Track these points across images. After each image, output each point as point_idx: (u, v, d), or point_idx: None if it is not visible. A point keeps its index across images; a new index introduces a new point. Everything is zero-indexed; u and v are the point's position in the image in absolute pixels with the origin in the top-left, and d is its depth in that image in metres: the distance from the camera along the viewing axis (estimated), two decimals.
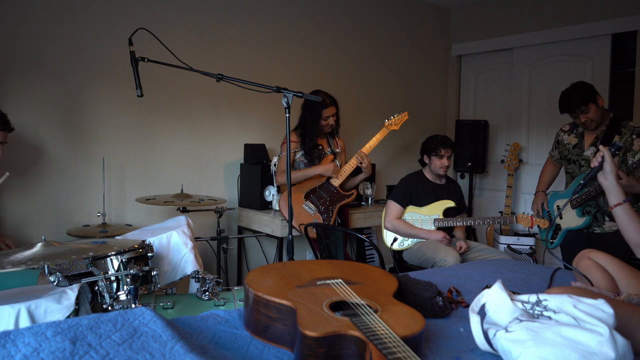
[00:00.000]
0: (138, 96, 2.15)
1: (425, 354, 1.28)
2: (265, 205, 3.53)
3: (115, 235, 2.67)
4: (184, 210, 3.04)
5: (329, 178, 3.31)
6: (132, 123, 3.35)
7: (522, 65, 4.67)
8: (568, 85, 2.94)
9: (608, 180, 1.80)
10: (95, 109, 3.21)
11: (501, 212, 4.52)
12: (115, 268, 1.86)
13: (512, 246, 4.05)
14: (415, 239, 3.22)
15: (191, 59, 2.39)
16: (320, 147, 3.35)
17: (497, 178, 4.89)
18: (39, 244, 1.69)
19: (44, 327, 1.14)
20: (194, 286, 2.17)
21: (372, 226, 4.14)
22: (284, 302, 1.28)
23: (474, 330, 1.29)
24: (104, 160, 3.19)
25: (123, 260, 1.87)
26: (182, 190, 3.21)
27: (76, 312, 1.76)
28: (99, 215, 3.06)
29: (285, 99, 2.11)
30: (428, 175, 3.35)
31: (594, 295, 1.28)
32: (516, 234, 4.14)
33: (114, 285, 1.84)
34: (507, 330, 1.18)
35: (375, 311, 1.26)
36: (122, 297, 1.83)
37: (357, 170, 3.40)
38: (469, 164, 4.66)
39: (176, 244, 2.22)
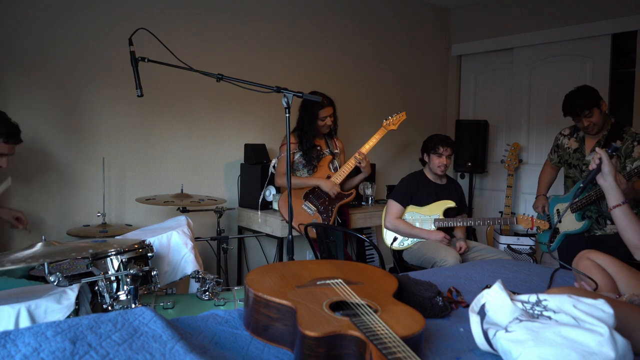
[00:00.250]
0: (138, 96, 2.15)
1: (425, 354, 1.28)
2: (266, 205, 3.54)
3: (115, 235, 2.67)
4: (184, 210, 3.05)
5: (328, 177, 3.31)
6: (132, 123, 3.35)
7: (522, 65, 4.67)
8: (568, 85, 2.95)
9: (607, 181, 1.80)
10: (95, 109, 3.21)
11: (501, 212, 4.52)
12: (115, 268, 1.86)
13: (512, 246, 4.05)
14: (415, 239, 3.23)
15: (191, 59, 2.39)
16: (318, 148, 3.35)
17: (497, 178, 4.89)
18: (39, 244, 1.70)
19: (44, 327, 1.14)
20: (194, 286, 2.17)
21: (372, 226, 4.14)
22: (284, 302, 1.28)
23: (474, 330, 1.29)
24: (104, 160, 3.19)
25: (123, 260, 1.87)
26: (182, 190, 3.21)
27: (76, 312, 1.75)
28: (99, 215, 3.06)
29: (285, 99, 2.11)
30: (429, 175, 3.35)
31: (594, 296, 1.28)
32: (516, 234, 4.14)
33: (114, 285, 1.84)
34: (507, 330, 1.18)
35: (375, 311, 1.26)
36: (122, 297, 1.83)
37: (357, 170, 3.40)
38: (469, 164, 4.66)
39: (176, 244, 2.22)
